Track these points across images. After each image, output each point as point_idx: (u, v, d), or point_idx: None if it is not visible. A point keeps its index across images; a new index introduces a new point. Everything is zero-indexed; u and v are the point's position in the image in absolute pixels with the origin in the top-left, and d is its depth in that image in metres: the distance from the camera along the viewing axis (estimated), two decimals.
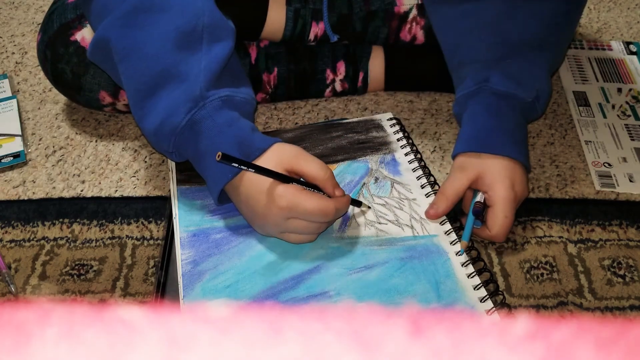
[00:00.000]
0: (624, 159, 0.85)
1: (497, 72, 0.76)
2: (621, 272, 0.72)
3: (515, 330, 0.21)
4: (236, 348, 0.21)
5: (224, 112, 0.68)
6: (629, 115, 0.91)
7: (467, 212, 0.74)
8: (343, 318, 0.21)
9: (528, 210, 0.78)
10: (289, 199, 0.64)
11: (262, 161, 0.66)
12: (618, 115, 0.91)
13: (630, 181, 0.82)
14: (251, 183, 0.66)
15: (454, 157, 0.76)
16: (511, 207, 0.71)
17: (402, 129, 0.85)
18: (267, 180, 0.65)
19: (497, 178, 0.71)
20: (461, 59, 0.81)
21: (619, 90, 0.96)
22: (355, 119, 0.88)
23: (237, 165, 0.63)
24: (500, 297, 0.67)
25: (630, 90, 0.96)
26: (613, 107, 0.93)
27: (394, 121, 0.86)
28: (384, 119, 0.87)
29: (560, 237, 0.76)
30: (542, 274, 0.72)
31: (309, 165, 0.67)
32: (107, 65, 0.76)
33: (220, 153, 0.61)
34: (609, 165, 0.84)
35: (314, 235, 0.69)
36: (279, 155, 0.67)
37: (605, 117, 0.91)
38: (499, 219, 0.71)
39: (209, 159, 0.68)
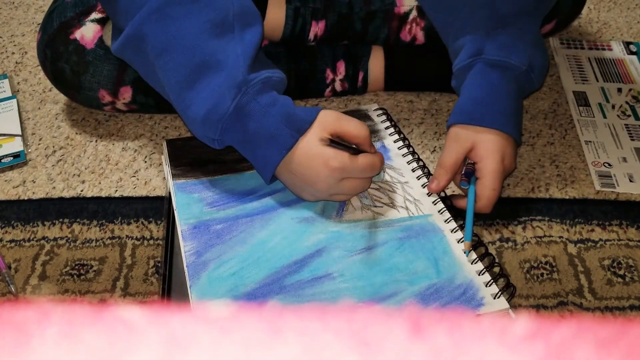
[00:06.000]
0: (624, 159, 0.85)
1: (490, 42, 0.77)
2: (621, 272, 0.72)
3: (515, 330, 0.21)
4: (236, 348, 0.21)
5: (266, 93, 0.71)
6: (629, 115, 0.91)
7: (460, 182, 0.76)
8: (343, 318, 0.21)
9: (528, 210, 0.78)
10: (341, 160, 0.69)
11: (312, 130, 0.70)
12: (618, 115, 0.91)
13: (630, 181, 0.82)
14: (303, 151, 0.70)
15: (448, 127, 0.78)
16: (499, 180, 0.74)
17: (389, 118, 0.87)
18: (318, 147, 0.69)
19: (488, 151, 0.74)
20: (455, 34, 0.82)
21: (619, 90, 0.96)
22: (342, 110, 0.90)
23: (339, 147, 0.70)
24: (497, 268, 0.69)
25: (630, 90, 0.96)
26: (613, 107, 0.93)
27: (381, 111, 0.88)
28: (371, 109, 0.89)
29: (560, 237, 0.76)
30: (542, 274, 0.72)
31: (350, 125, 0.71)
32: (137, 60, 0.76)
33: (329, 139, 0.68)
34: (609, 165, 0.84)
35: (357, 193, 0.75)
36: (323, 122, 0.71)
37: (605, 117, 0.91)
38: (486, 191, 0.73)
39: (259, 140, 0.70)
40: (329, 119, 0.71)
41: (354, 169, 0.70)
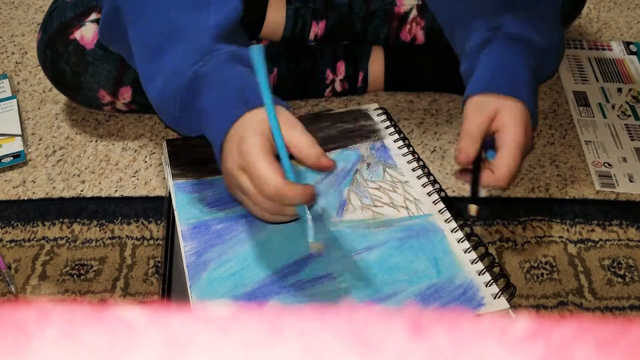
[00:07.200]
0: (624, 159, 0.85)
1: (509, 17, 0.74)
2: (621, 272, 0.72)
3: (515, 330, 0.21)
4: (236, 348, 0.21)
5: (233, 65, 0.64)
6: (629, 115, 0.91)
7: (487, 153, 0.72)
8: (343, 318, 0.21)
9: (528, 210, 0.78)
10: (249, 150, 0.60)
11: (255, 114, 0.62)
12: (618, 115, 0.91)
13: (630, 181, 0.82)
14: (236, 134, 0.62)
15: (466, 98, 0.72)
16: (520, 153, 0.68)
17: (389, 118, 0.87)
18: (252, 138, 0.61)
19: (512, 119, 0.68)
20: (465, 22, 0.78)
21: (619, 90, 0.96)
22: (342, 110, 0.90)
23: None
24: (497, 268, 0.69)
25: (630, 90, 0.96)
26: (613, 107, 0.93)
27: (381, 111, 0.88)
28: (371, 108, 0.89)
29: (560, 237, 0.76)
30: (542, 274, 0.72)
31: (296, 136, 0.63)
32: (118, 40, 0.75)
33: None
34: (609, 165, 0.84)
35: (268, 213, 0.64)
36: (282, 117, 0.63)
37: (605, 117, 0.91)
38: (507, 162, 0.67)
39: (210, 113, 0.64)
40: (282, 119, 0.62)
41: (253, 167, 0.60)
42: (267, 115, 0.61)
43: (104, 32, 0.75)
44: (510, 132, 0.68)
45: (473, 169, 0.71)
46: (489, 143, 0.71)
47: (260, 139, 0.61)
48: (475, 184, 0.70)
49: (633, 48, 1.04)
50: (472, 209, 0.69)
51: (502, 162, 0.68)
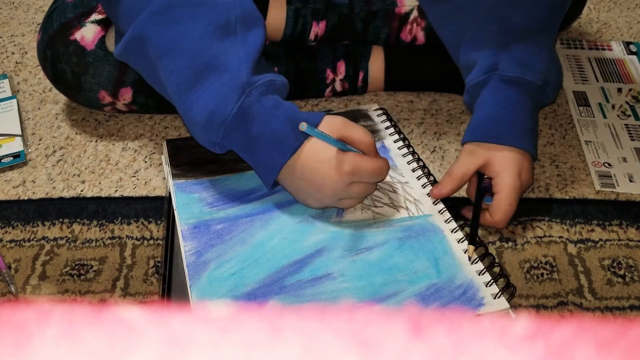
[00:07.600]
0: (624, 159, 0.85)
1: (505, 58, 0.77)
2: (621, 272, 0.72)
3: (515, 330, 0.21)
4: (236, 348, 0.21)
5: (269, 96, 0.70)
6: (629, 115, 0.91)
7: (472, 195, 0.76)
8: (343, 318, 0.21)
9: (528, 210, 0.78)
10: (352, 163, 0.69)
11: (311, 143, 0.69)
12: (618, 115, 0.91)
13: (630, 181, 0.82)
14: (310, 155, 0.69)
15: (463, 144, 0.77)
16: (516, 196, 0.73)
17: (389, 118, 0.87)
18: (327, 151, 0.68)
19: (505, 167, 0.73)
20: (466, 49, 0.81)
21: (619, 90, 0.96)
22: (342, 110, 0.90)
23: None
24: (498, 268, 0.69)
25: (630, 90, 0.96)
26: (613, 107, 0.93)
27: (381, 111, 0.88)
28: (371, 109, 0.89)
29: (560, 237, 0.76)
30: (542, 274, 0.72)
31: (357, 131, 0.71)
32: (139, 63, 0.76)
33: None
34: (609, 165, 0.84)
35: (363, 198, 0.74)
36: (330, 126, 0.70)
37: (605, 117, 0.91)
38: (503, 207, 0.72)
39: (262, 143, 0.70)
40: (335, 124, 0.70)
41: (364, 172, 0.69)
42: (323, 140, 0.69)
43: (125, 55, 0.75)
44: (504, 178, 0.73)
45: (473, 213, 0.73)
46: (487, 189, 0.74)
47: (340, 151, 0.69)
48: (473, 228, 0.71)
49: (633, 48, 1.04)
50: (470, 250, 0.69)
51: (499, 207, 0.73)
